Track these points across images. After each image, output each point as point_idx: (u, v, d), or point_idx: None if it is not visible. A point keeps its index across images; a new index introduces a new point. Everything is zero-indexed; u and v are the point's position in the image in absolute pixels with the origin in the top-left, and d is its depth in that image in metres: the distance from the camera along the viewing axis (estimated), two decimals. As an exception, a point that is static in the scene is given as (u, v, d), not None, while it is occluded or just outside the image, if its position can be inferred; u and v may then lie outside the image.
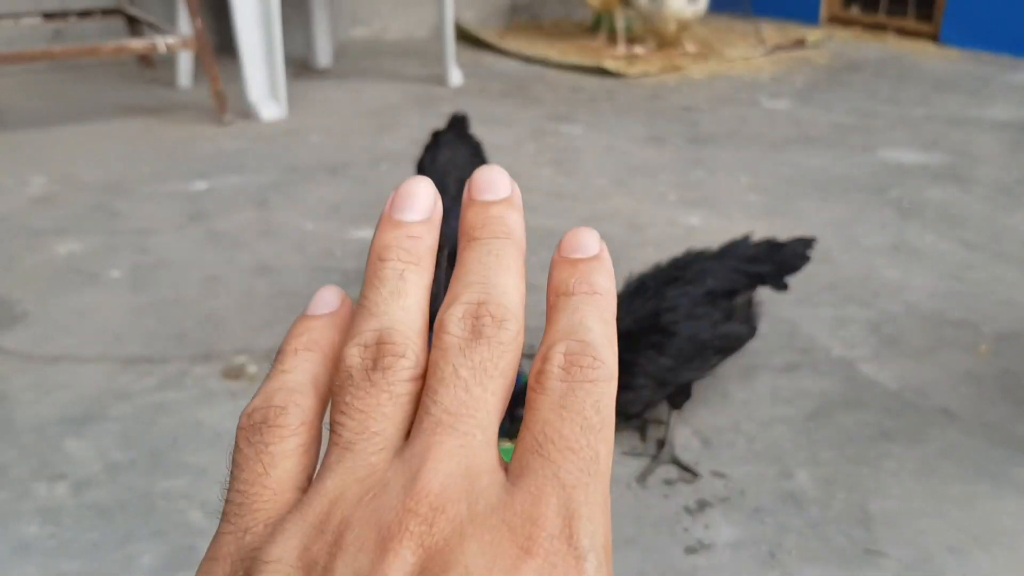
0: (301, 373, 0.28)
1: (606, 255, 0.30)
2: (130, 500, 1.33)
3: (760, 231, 2.39)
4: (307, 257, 2.18)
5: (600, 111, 3.62)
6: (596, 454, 0.24)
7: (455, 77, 3.94)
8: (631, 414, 1.45)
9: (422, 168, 1.73)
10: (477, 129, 3.25)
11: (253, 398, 0.27)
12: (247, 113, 3.32)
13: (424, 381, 0.26)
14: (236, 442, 0.26)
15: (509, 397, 0.27)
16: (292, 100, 3.43)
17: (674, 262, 1.50)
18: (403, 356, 0.26)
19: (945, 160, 3.05)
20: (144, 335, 1.80)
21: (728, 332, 1.44)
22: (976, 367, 1.75)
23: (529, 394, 0.26)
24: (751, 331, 1.50)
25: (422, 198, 0.30)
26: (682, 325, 1.38)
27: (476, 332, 0.26)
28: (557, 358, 0.26)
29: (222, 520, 0.25)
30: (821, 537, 1.29)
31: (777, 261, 1.51)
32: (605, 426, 0.25)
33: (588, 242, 0.30)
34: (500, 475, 0.24)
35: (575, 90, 3.98)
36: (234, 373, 1.66)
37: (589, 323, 0.27)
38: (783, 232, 2.39)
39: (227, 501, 0.26)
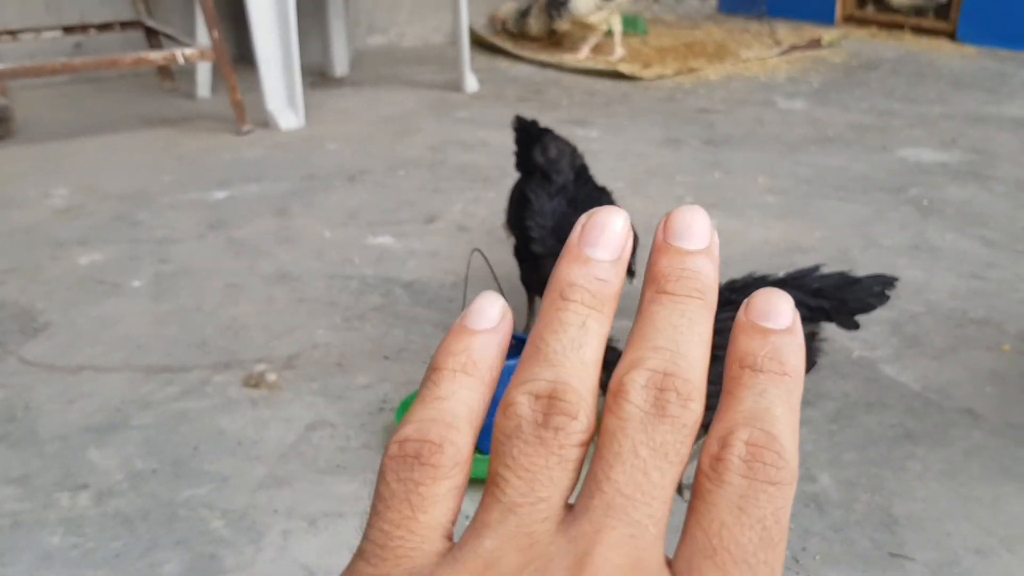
0: (458, 403, 0.25)
1: (799, 327, 0.27)
2: (153, 509, 1.34)
3: (778, 232, 2.40)
4: (326, 264, 2.19)
5: (616, 114, 3.61)
6: (772, 572, 0.22)
7: (471, 83, 3.95)
8: None
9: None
10: (494, 134, 3.27)
11: (405, 424, 0.25)
12: (265, 122, 3.34)
13: (592, 446, 0.24)
14: (382, 472, 0.24)
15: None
16: (310, 108, 3.45)
17: (731, 284, 1.43)
18: (575, 418, 0.24)
19: (964, 158, 3.03)
20: (166, 344, 1.81)
21: None
22: (1000, 367, 1.73)
23: (702, 480, 0.24)
24: (809, 366, 1.40)
25: (617, 234, 0.27)
26: (726, 351, 1.29)
27: (660, 407, 0.24)
28: (739, 446, 0.23)
29: (360, 558, 0.24)
30: (845, 540, 1.28)
31: (846, 298, 1.39)
32: (782, 539, 0.23)
33: (781, 309, 0.26)
34: None
35: (590, 94, 3.98)
36: (254, 381, 1.67)
37: (776, 411, 0.24)
38: (801, 232, 2.39)
39: (367, 539, 0.24)
